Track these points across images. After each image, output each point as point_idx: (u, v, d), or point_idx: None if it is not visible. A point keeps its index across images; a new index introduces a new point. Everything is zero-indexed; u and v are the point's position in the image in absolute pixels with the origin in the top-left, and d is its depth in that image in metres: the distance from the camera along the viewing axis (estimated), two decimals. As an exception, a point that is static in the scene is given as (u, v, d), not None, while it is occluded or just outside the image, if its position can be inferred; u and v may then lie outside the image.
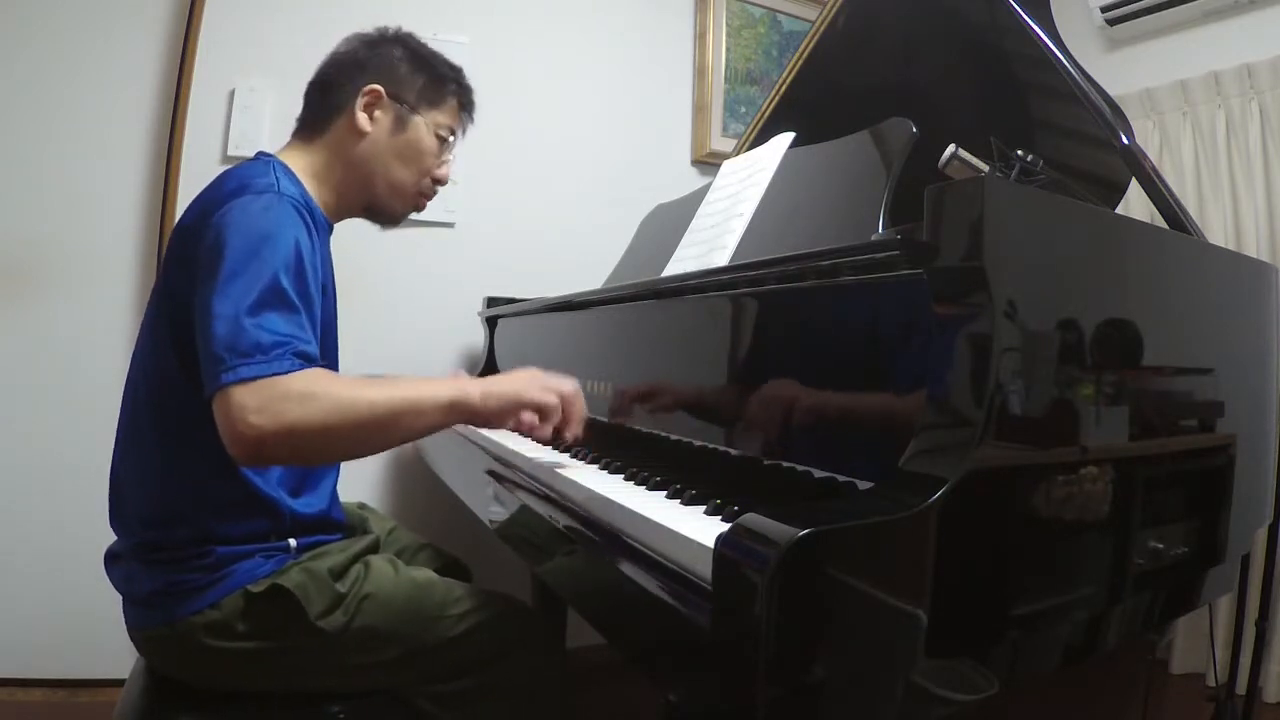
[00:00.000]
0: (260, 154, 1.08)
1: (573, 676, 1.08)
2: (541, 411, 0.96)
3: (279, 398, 0.80)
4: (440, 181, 1.17)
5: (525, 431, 0.97)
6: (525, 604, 1.12)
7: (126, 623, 1.01)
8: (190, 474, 0.96)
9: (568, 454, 1.17)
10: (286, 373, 0.82)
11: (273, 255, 0.88)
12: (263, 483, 0.99)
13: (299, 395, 0.81)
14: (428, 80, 1.13)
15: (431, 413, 0.89)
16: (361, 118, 1.07)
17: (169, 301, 0.96)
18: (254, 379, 0.81)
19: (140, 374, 1.02)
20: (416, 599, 1.02)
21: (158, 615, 0.96)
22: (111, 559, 1.04)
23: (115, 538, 1.04)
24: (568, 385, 0.99)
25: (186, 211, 1.00)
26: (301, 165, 1.08)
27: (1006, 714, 0.81)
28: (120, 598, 1.02)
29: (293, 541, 1.02)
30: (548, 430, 0.97)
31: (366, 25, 1.16)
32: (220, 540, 0.96)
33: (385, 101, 1.09)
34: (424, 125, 1.12)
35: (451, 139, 1.17)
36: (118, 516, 1.03)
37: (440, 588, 1.06)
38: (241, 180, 0.96)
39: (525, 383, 0.96)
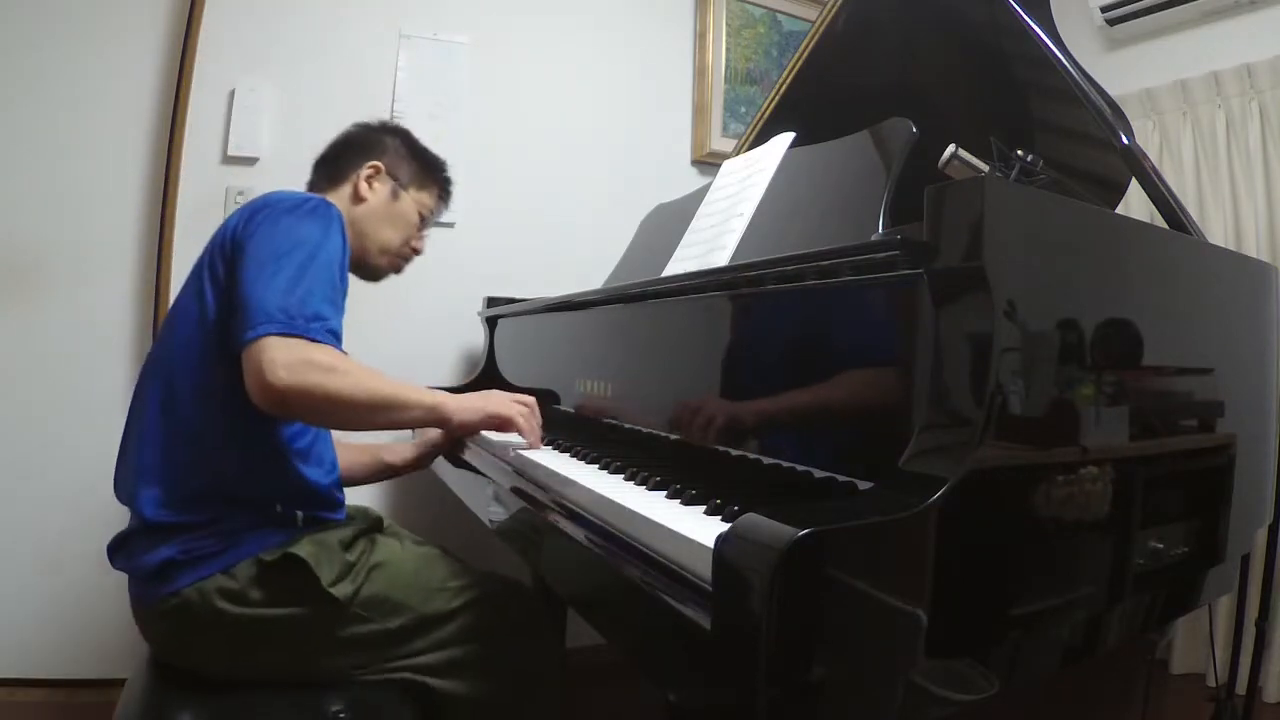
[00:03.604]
0: None
1: (564, 655, 1.10)
2: (504, 422, 1.16)
3: (305, 361, 0.94)
4: (417, 252, 1.39)
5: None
6: (524, 585, 1.23)
7: (134, 602, 1.03)
8: (219, 437, 1.04)
9: (568, 454, 1.18)
10: (316, 340, 0.96)
11: (326, 247, 1.04)
12: (277, 450, 1.08)
13: (324, 365, 0.96)
14: (419, 167, 1.35)
15: (416, 409, 1.08)
16: (363, 186, 1.29)
17: (218, 282, 1.06)
18: (289, 335, 0.94)
19: (178, 344, 1.08)
20: (422, 571, 1.12)
21: (170, 583, 0.98)
22: (118, 545, 1.06)
23: (113, 535, 1.06)
24: (525, 402, 1.20)
25: (235, 218, 1.10)
26: None
27: (1007, 714, 0.81)
28: (123, 592, 1.03)
29: (300, 513, 1.08)
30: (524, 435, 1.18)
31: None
32: (235, 504, 1.03)
33: (383, 175, 1.30)
34: (411, 201, 1.33)
35: (430, 217, 1.38)
36: (132, 487, 1.05)
37: (444, 562, 1.15)
38: (301, 195, 1.13)
39: (491, 399, 1.17)
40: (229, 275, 1.04)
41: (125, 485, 1.07)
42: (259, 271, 0.99)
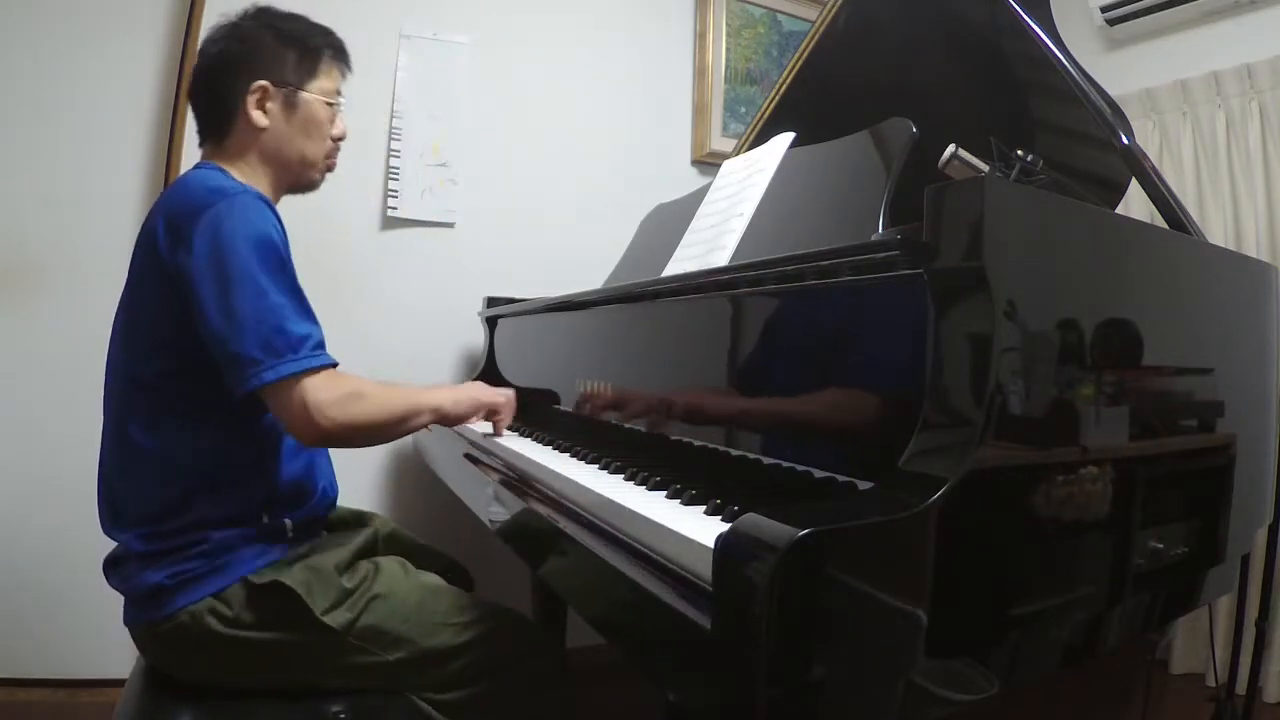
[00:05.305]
0: (204, 164, 1.12)
1: (573, 687, 1.09)
2: (493, 409, 1.27)
3: (348, 396, 0.97)
4: (339, 139, 1.22)
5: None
6: (527, 618, 1.18)
7: (129, 623, 1.01)
8: (178, 454, 1.00)
9: (568, 454, 1.18)
10: (336, 367, 0.98)
11: (273, 252, 0.98)
12: (244, 454, 1.05)
13: (358, 394, 0.99)
14: (300, 52, 1.15)
15: (426, 412, 1.11)
16: (256, 115, 1.11)
17: (164, 289, 0.99)
18: (321, 369, 0.95)
19: (125, 368, 1.06)
20: (425, 604, 1.07)
21: (163, 608, 0.96)
22: (111, 564, 1.04)
23: (107, 553, 1.05)
24: (506, 391, 1.30)
25: (153, 217, 1.03)
26: (230, 169, 1.11)
27: (1007, 714, 0.81)
28: (121, 598, 1.02)
29: (288, 521, 1.06)
30: (500, 424, 1.32)
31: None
32: (215, 522, 0.99)
33: (272, 92, 1.11)
34: (311, 98, 1.15)
35: (340, 98, 1.21)
36: (113, 516, 1.04)
37: (449, 595, 1.10)
38: (211, 185, 1.01)
39: (479, 391, 1.24)
40: (163, 291, 0.98)
41: (106, 518, 1.05)
42: (229, 312, 0.93)
